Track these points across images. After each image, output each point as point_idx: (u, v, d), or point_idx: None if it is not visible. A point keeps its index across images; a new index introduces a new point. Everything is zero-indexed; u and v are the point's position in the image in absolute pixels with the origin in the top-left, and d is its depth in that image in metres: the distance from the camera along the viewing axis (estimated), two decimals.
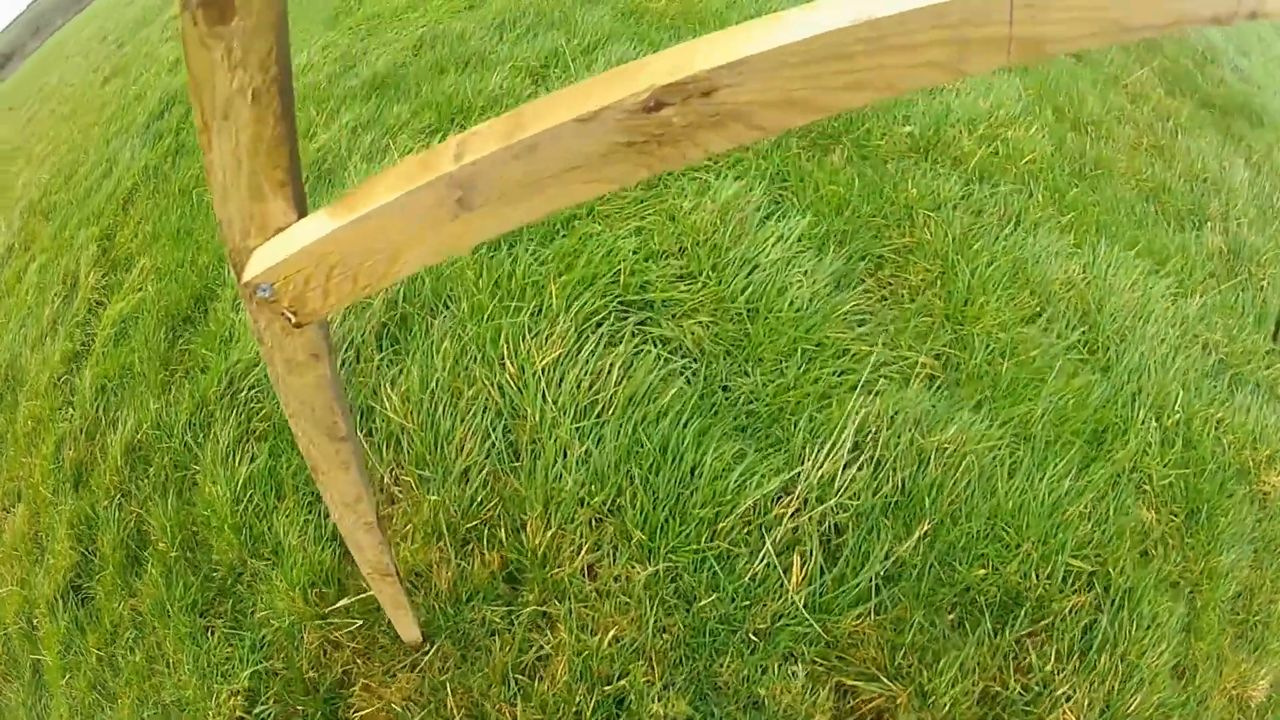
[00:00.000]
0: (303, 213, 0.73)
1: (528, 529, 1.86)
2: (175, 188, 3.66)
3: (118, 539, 2.66)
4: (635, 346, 2.13)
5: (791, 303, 2.22)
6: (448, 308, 2.35)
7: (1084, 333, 2.42)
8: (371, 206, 0.67)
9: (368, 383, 2.30)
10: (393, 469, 2.18)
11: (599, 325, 2.17)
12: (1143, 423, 2.19)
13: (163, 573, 2.32)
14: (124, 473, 2.72)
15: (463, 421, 2.15)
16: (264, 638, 1.96)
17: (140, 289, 3.19)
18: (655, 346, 2.14)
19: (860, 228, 2.49)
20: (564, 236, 2.40)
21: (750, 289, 2.24)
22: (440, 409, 2.18)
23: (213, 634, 2.06)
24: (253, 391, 2.49)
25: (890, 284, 2.41)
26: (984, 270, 2.44)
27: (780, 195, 2.57)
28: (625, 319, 2.18)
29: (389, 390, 2.24)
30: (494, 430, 2.11)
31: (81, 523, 2.80)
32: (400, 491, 2.12)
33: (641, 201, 2.50)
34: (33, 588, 2.84)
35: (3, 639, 2.84)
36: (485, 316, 2.25)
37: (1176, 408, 2.28)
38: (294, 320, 0.77)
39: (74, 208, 4.34)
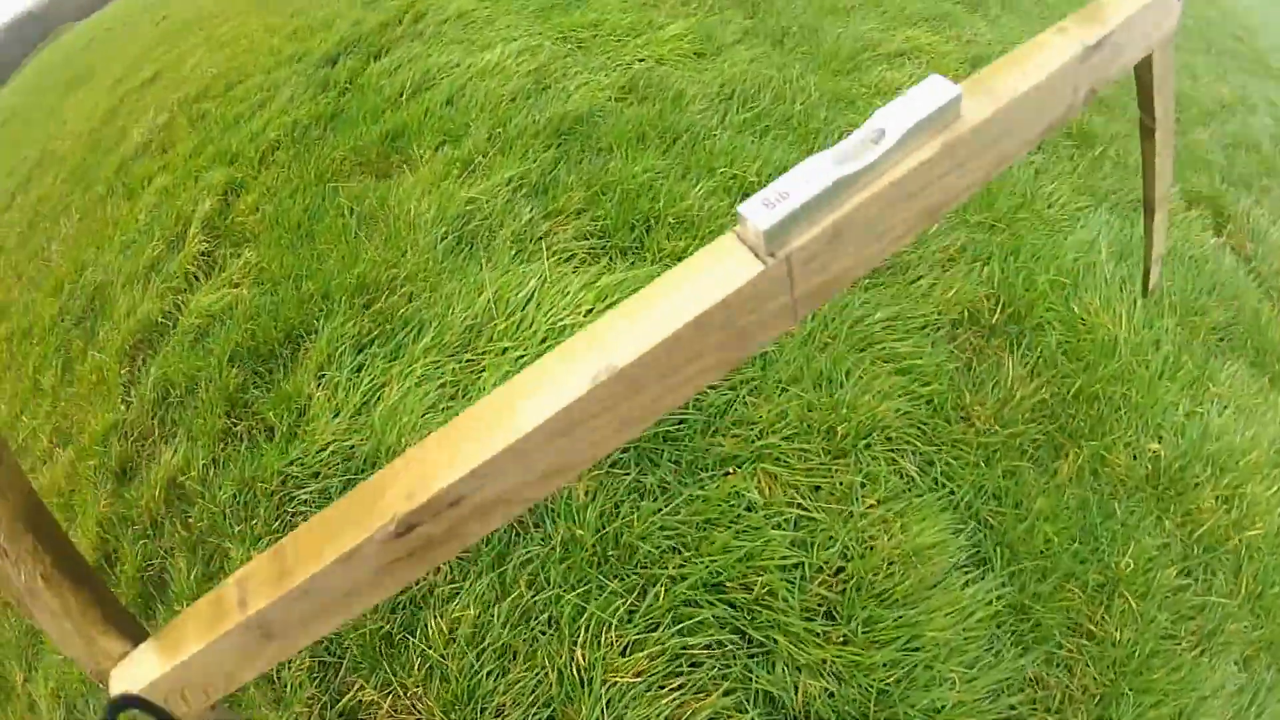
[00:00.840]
0: (136, 635, 0.76)
1: None
2: (314, 169, 3.34)
3: (137, 571, 2.46)
4: (736, 700, 1.72)
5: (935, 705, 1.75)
6: (543, 539, 1.97)
7: None
8: (189, 652, 0.68)
9: (421, 582, 1.97)
10: (419, 696, 1.87)
11: (701, 648, 1.77)
12: None
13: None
14: (160, 507, 2.50)
15: (506, 691, 1.80)
16: None
17: (236, 286, 2.91)
18: (753, 703, 1.73)
19: (1053, 609, 1.97)
20: (704, 529, 1.97)
21: (895, 671, 1.77)
22: (486, 662, 1.83)
23: None
24: (302, 508, 2.19)
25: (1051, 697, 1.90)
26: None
27: (979, 537, 2.06)
28: (729, 667, 1.76)
29: (437, 614, 1.90)
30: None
31: (111, 529, 2.61)
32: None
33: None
34: None
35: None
36: (576, 578, 1.87)
37: None
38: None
39: (217, 131, 4.09)
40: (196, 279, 3.07)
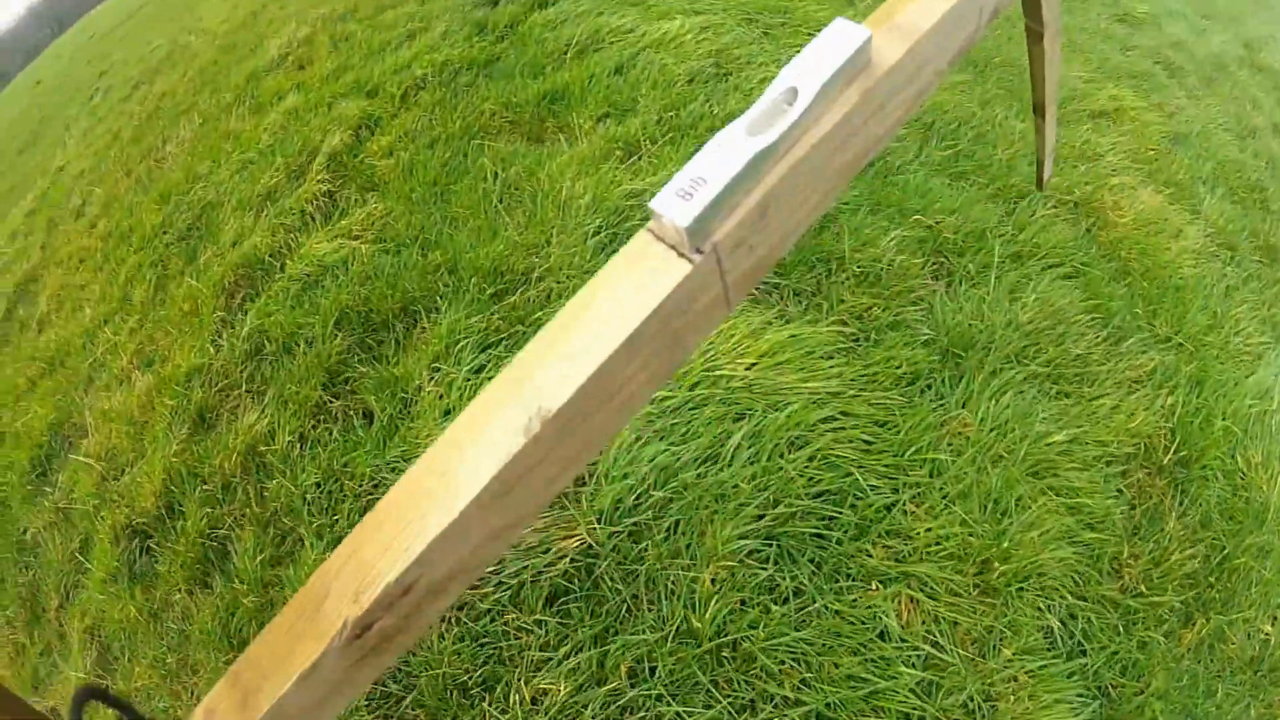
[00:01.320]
0: None
1: None
2: (460, 119, 3.07)
3: (199, 534, 2.30)
4: None
5: None
6: (655, 621, 1.72)
7: None
8: None
9: (510, 639, 1.74)
10: None
11: None
12: None
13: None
14: (235, 471, 2.32)
15: None
16: None
17: (355, 239, 2.70)
18: None
19: None
20: (831, 650, 1.70)
21: None
22: None
23: None
24: None
25: None
26: None
27: (1096, 712, 1.77)
28: None
29: (522, 679, 1.68)
30: None
31: (178, 481, 2.45)
32: None
33: None
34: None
35: None
36: (683, 678, 1.62)
37: None
38: None
39: (359, 57, 3.87)
40: (313, 220, 2.86)
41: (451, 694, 1.78)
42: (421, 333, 2.34)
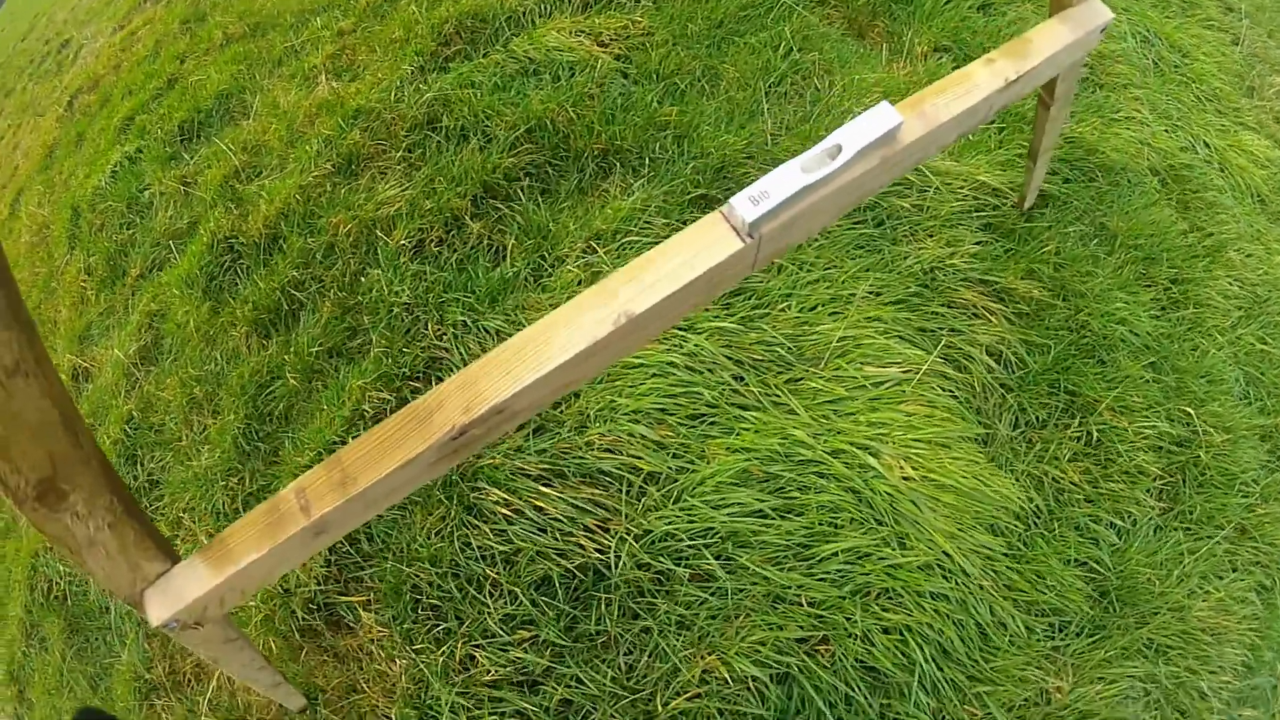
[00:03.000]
0: (171, 555, 0.84)
1: None
2: None
3: (280, 285, 2.02)
4: None
5: None
6: None
7: None
8: (247, 559, 0.80)
9: None
10: None
11: None
12: None
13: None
14: (347, 239, 1.98)
15: None
16: None
17: (603, 45, 2.15)
18: None
19: None
20: None
21: None
22: None
23: None
24: None
25: None
26: None
27: None
28: None
29: None
30: None
31: (292, 218, 2.16)
32: None
33: None
34: None
35: None
36: None
37: None
38: (200, 626, 0.88)
39: None
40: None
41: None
42: (601, 195, 1.85)
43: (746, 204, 0.84)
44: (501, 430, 0.83)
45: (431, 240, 1.80)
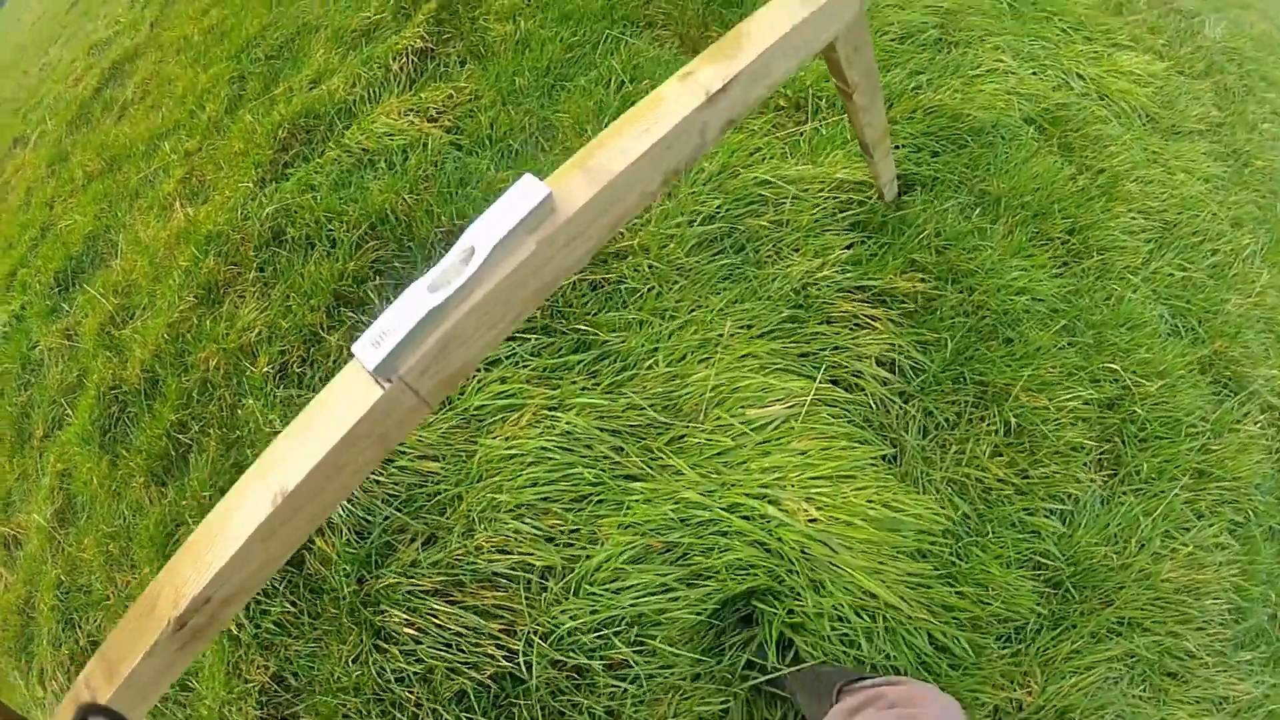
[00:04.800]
0: None
1: None
2: None
3: (164, 429, 1.94)
4: None
5: None
6: None
7: None
8: None
9: None
10: None
11: None
12: None
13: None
14: (219, 371, 1.90)
15: None
16: None
17: (431, 120, 2.07)
18: None
19: None
20: None
21: None
22: None
23: None
24: None
25: None
26: None
27: None
28: None
29: None
30: None
31: (165, 358, 2.08)
32: None
33: None
34: None
35: None
36: None
37: None
38: None
39: None
40: (395, 80, 2.26)
41: None
42: None
43: (368, 349, 0.73)
44: (228, 614, 0.81)
45: (294, 361, 1.72)
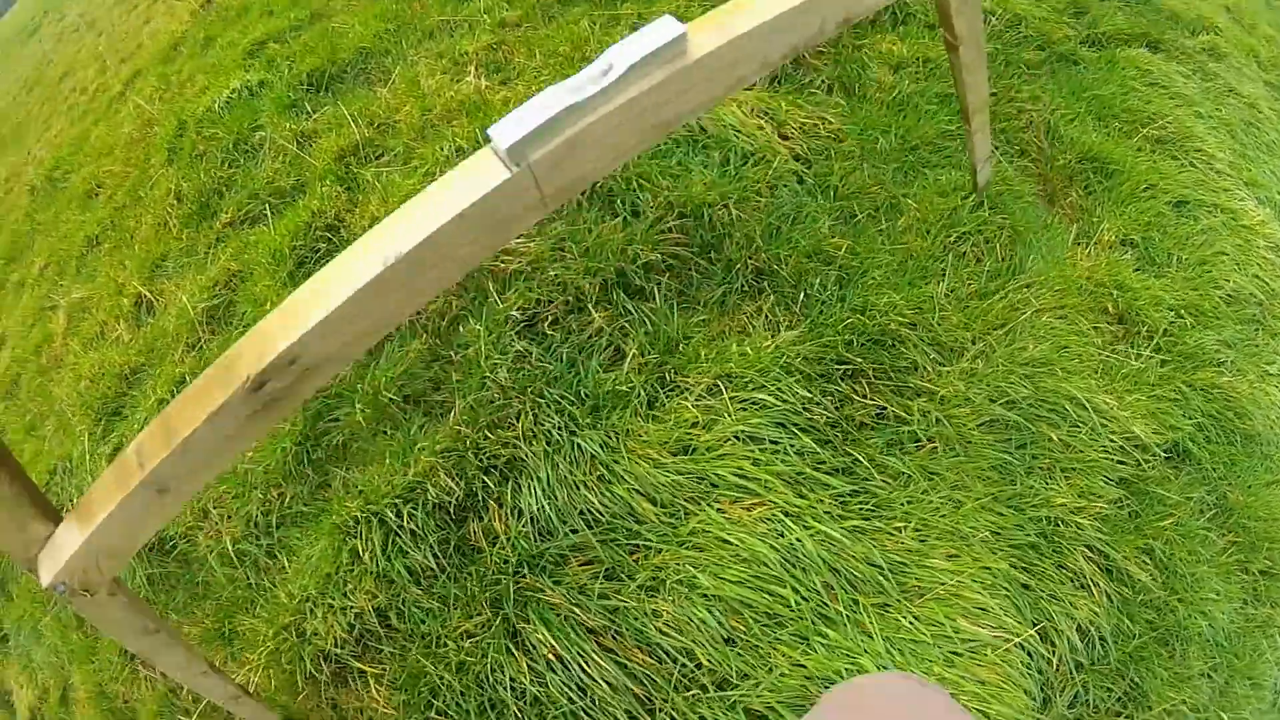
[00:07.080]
0: (54, 517, 0.88)
1: None
2: None
3: None
4: None
5: None
6: None
7: None
8: (100, 518, 0.82)
9: None
10: None
11: None
12: None
13: None
14: None
15: None
16: None
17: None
18: None
19: None
20: None
21: None
22: None
23: None
24: None
25: None
26: None
27: None
28: None
29: None
30: None
31: None
32: None
33: None
34: None
35: None
36: None
37: None
38: (90, 594, 0.90)
39: None
40: None
41: None
42: (743, 320, 1.66)
43: (506, 129, 0.78)
44: (309, 385, 0.80)
45: (546, 318, 1.61)
